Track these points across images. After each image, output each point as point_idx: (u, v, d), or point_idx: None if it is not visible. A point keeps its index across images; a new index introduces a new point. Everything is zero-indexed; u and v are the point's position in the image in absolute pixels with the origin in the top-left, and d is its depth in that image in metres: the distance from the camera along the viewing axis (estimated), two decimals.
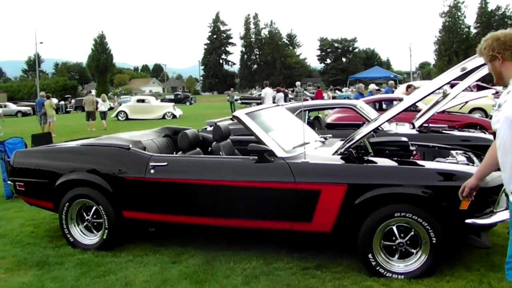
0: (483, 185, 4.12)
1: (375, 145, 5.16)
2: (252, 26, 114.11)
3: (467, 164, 4.70)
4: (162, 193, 5.00)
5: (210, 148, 5.91)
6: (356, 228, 4.35)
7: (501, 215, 4.19)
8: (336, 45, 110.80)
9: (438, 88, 4.71)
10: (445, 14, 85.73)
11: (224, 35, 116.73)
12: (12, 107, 47.31)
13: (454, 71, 4.69)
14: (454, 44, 77.89)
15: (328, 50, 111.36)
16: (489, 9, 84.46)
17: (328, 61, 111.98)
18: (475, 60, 4.54)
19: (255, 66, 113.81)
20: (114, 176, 5.16)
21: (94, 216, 5.37)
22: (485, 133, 8.33)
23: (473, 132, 8.51)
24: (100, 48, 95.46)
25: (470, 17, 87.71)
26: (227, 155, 5.56)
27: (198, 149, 5.78)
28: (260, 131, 4.78)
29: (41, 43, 69.89)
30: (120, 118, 31.34)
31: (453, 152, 5.28)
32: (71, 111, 48.75)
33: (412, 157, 5.13)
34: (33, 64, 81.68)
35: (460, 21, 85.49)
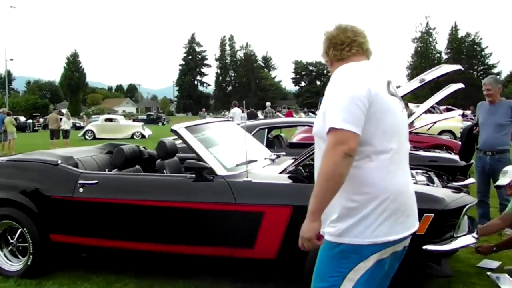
0: (442, 207, 3.77)
1: None
2: (227, 47, 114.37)
3: (427, 185, 4.34)
4: (92, 214, 4.49)
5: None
6: (303, 255, 3.90)
7: (462, 240, 3.84)
8: (310, 68, 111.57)
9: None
10: (417, 40, 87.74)
11: (199, 56, 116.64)
12: None
13: (413, 83, 4.35)
14: (426, 69, 78.91)
15: (303, 73, 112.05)
16: (459, 36, 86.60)
17: (303, 84, 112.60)
18: (433, 72, 4.24)
19: (230, 87, 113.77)
20: (40, 194, 4.64)
21: (20, 240, 4.82)
22: (450, 154, 8.16)
23: (439, 152, 8.35)
24: (73, 67, 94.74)
25: (441, 43, 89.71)
26: (172, 174, 5.09)
27: (137, 166, 5.30)
28: (200, 147, 4.32)
29: (12, 60, 67.92)
30: (87, 137, 30.63)
31: (413, 171, 4.91)
32: (39, 129, 47.64)
33: None
34: (3, 81, 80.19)
35: (432, 47, 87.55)
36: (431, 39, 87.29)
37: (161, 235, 4.31)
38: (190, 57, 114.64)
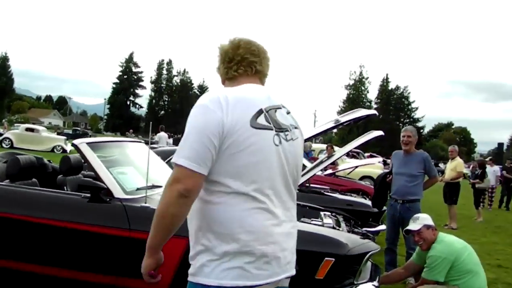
0: (343, 253, 3.67)
1: None
2: (164, 72, 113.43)
3: (333, 228, 4.25)
4: None
5: None
6: None
7: None
8: None
9: (309, 139, 4.31)
10: (350, 87, 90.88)
11: (135, 77, 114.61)
12: None
13: (328, 124, 4.31)
14: None
15: None
16: (390, 88, 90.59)
17: None
18: (349, 115, 4.24)
19: (163, 112, 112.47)
20: None
21: None
22: (365, 199, 8.29)
23: (356, 197, 8.47)
24: (1, 71, 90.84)
25: (372, 92, 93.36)
26: (73, 191, 4.74)
27: (34, 179, 4.91)
28: (99, 165, 4.02)
29: None
30: (4, 145, 29.08)
31: (322, 213, 4.83)
32: None
33: None
34: None
35: (363, 95, 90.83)
36: (363, 88, 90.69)
37: (48, 256, 3.94)
38: (125, 76, 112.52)
